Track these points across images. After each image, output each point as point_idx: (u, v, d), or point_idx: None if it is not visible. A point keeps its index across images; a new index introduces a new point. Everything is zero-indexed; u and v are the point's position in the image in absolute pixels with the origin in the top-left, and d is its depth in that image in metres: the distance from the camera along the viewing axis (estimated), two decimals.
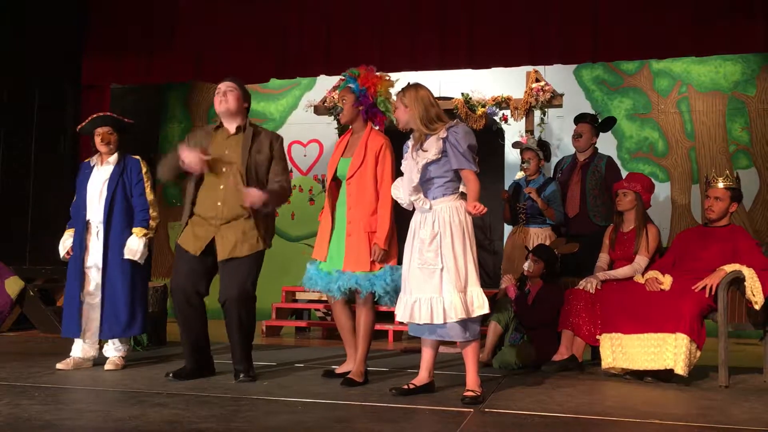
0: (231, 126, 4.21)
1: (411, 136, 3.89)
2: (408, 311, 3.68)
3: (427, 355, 3.84)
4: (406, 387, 3.76)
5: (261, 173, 4.15)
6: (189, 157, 4.00)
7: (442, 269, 3.63)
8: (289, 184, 4.27)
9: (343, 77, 4.44)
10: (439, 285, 3.63)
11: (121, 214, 4.51)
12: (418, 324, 3.70)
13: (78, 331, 4.47)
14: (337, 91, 4.49)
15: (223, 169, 4.11)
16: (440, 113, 3.79)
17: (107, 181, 4.53)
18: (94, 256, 4.51)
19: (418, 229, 3.76)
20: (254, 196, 3.96)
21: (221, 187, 4.09)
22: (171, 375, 4.12)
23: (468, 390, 3.62)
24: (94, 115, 4.68)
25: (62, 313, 4.63)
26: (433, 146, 3.70)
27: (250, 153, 4.12)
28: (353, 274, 4.07)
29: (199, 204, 4.15)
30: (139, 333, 4.59)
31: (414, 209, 3.85)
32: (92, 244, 4.52)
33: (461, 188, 3.77)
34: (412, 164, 3.76)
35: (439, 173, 3.72)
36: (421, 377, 3.82)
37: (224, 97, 4.17)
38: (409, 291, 3.72)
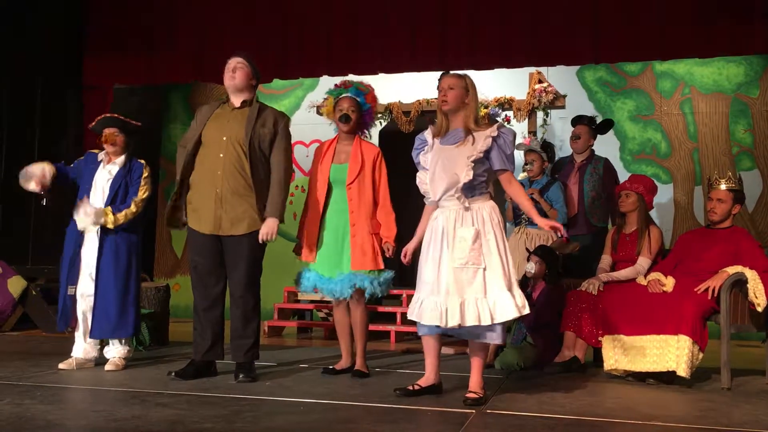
0: (237, 101, 4.26)
1: (429, 128, 3.82)
2: (456, 314, 3.48)
3: (431, 356, 3.78)
4: (410, 388, 3.71)
5: (264, 147, 4.16)
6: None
7: (485, 269, 3.55)
8: (290, 163, 4.26)
9: (339, 84, 4.55)
10: (482, 285, 3.53)
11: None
12: (458, 326, 3.52)
13: (64, 325, 4.48)
14: (329, 96, 4.58)
15: (224, 138, 4.13)
16: (479, 116, 3.80)
17: (111, 181, 4.55)
18: (91, 258, 4.49)
19: (449, 227, 3.60)
20: (269, 227, 4.06)
21: (221, 156, 4.10)
22: (173, 374, 4.12)
23: (470, 391, 3.59)
24: (102, 116, 4.71)
25: (58, 308, 4.61)
26: (480, 143, 3.62)
27: (255, 126, 4.15)
28: (363, 275, 4.23)
29: (197, 172, 4.16)
30: (129, 335, 4.53)
31: (433, 207, 3.74)
32: (90, 245, 4.51)
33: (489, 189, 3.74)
34: (454, 155, 3.62)
35: (478, 171, 3.62)
36: (428, 378, 3.76)
37: (233, 73, 4.22)
38: (445, 292, 3.53)
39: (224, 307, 4.25)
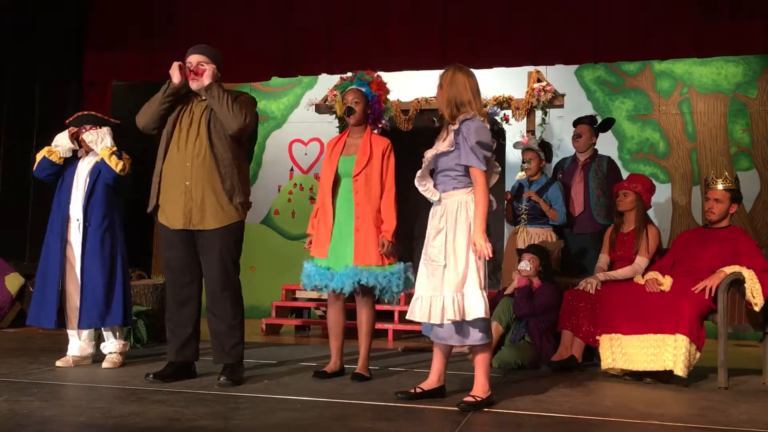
0: (202, 91, 4.09)
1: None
2: (411, 308, 3.56)
3: (436, 359, 3.67)
4: (412, 391, 3.60)
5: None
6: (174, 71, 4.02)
7: (445, 266, 3.46)
8: (247, 111, 3.99)
9: (344, 77, 4.46)
10: (440, 283, 3.46)
11: (100, 205, 4.51)
12: (422, 322, 3.58)
13: (53, 321, 4.43)
14: (336, 91, 4.50)
15: (191, 131, 4.04)
16: (473, 101, 3.53)
17: (89, 174, 4.56)
18: (77, 250, 4.50)
19: (429, 224, 3.64)
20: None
21: (188, 147, 4.01)
22: (151, 376, 3.97)
23: (469, 395, 3.46)
24: (78, 114, 4.72)
25: (33, 299, 4.55)
26: (446, 138, 3.55)
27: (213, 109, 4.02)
28: (369, 270, 4.09)
29: (167, 166, 4.06)
30: (118, 324, 4.47)
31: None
32: (74, 238, 4.52)
33: None
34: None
35: (449, 165, 3.53)
36: (430, 381, 3.65)
37: (196, 76, 4.04)
38: (417, 288, 3.60)
39: (200, 305, 4.14)
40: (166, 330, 4.23)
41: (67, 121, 4.73)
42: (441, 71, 3.71)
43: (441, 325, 3.47)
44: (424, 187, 3.63)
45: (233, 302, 4.03)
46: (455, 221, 3.50)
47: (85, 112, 4.76)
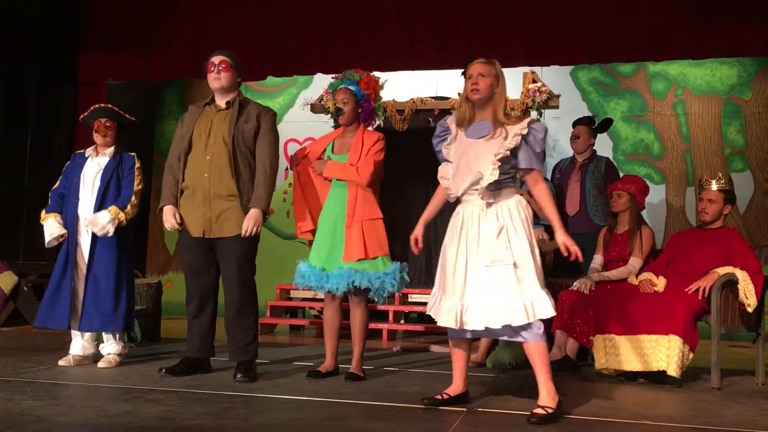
0: (222, 101, 4.20)
1: (451, 115, 3.58)
2: (482, 315, 3.26)
3: (458, 363, 3.55)
4: (438, 397, 3.50)
5: (248, 143, 4.11)
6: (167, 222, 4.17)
7: (514, 264, 3.26)
8: (277, 159, 4.14)
9: (335, 77, 4.48)
10: (514, 282, 3.25)
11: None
12: (478, 328, 3.30)
13: (65, 322, 4.43)
14: (329, 91, 4.49)
15: (210, 141, 4.09)
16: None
17: (101, 173, 4.51)
18: (86, 251, 4.47)
19: (471, 223, 3.37)
20: (251, 219, 4.02)
21: (207, 158, 4.07)
22: (164, 371, 4.10)
23: (538, 406, 3.22)
24: (96, 106, 4.66)
25: (43, 301, 4.51)
26: (509, 139, 3.34)
27: (237, 123, 4.10)
28: (362, 272, 4.08)
29: (187, 176, 4.14)
30: (119, 329, 4.47)
31: (457, 203, 3.52)
32: (83, 239, 4.49)
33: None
34: (481, 149, 3.36)
35: (504, 169, 3.35)
36: (457, 386, 3.53)
37: (218, 74, 4.15)
38: (462, 293, 3.33)
39: (216, 305, 4.24)
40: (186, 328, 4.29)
41: (81, 117, 4.65)
42: (486, 59, 3.53)
43: (529, 324, 3.28)
44: (481, 191, 3.39)
45: (248, 301, 4.12)
46: (518, 220, 3.34)
47: (103, 105, 4.68)
